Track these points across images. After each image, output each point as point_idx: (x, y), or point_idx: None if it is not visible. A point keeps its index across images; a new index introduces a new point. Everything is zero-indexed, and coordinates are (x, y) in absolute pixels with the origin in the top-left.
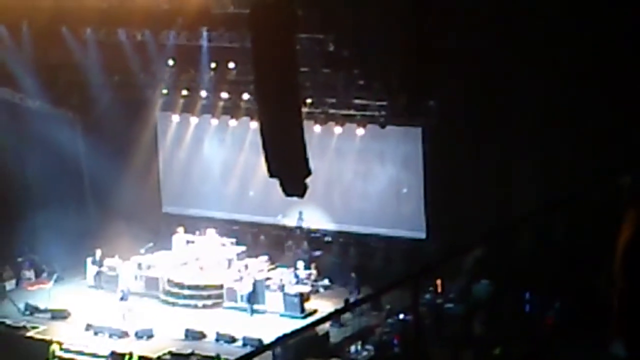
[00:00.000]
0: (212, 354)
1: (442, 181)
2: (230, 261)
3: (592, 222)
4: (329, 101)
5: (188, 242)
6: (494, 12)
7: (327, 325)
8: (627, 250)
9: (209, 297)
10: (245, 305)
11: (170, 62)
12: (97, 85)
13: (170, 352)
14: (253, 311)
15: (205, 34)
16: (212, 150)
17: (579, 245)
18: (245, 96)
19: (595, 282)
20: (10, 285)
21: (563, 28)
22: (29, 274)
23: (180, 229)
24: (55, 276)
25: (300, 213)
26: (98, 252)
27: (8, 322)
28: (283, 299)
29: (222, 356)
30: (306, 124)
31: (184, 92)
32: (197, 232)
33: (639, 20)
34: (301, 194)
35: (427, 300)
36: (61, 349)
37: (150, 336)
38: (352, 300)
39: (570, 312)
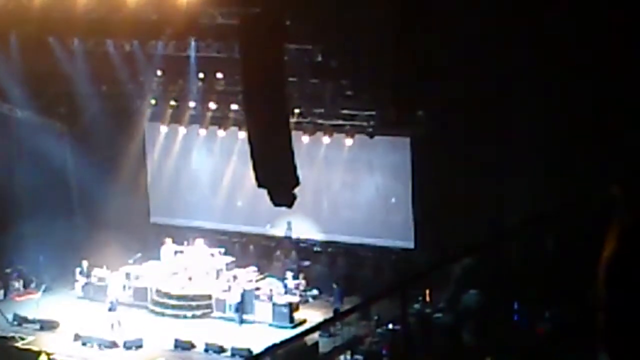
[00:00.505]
0: None
1: (431, 191)
2: (218, 271)
3: (582, 232)
4: (317, 111)
5: (176, 252)
6: (483, 24)
7: (316, 335)
8: (609, 266)
9: (197, 307)
10: (234, 315)
11: (159, 73)
12: (85, 96)
13: None
14: (242, 321)
15: (193, 44)
16: (201, 160)
17: (570, 254)
18: (234, 106)
19: (586, 292)
20: None
21: (552, 41)
22: (17, 284)
23: (168, 240)
24: (43, 287)
25: (289, 223)
26: (84, 263)
27: None
28: (272, 309)
29: None
30: (294, 134)
31: (172, 103)
32: (186, 243)
33: (630, 38)
34: (289, 204)
35: (416, 310)
36: (50, 359)
37: (139, 346)
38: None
39: (561, 322)
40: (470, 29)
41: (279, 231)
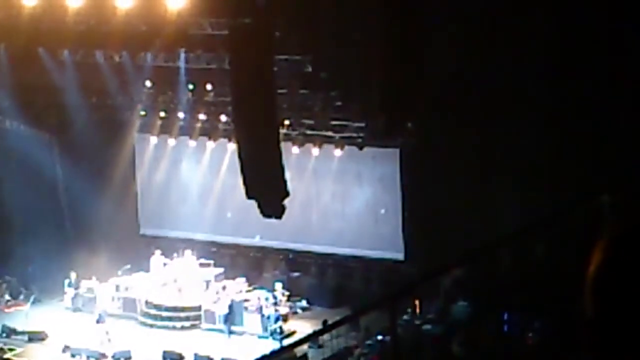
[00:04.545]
0: None
1: (420, 202)
2: (208, 283)
3: (572, 241)
4: (306, 122)
5: (165, 264)
6: (474, 33)
7: (305, 346)
8: (596, 277)
9: (187, 318)
10: (223, 326)
11: (148, 84)
12: (75, 107)
13: None
14: (230, 332)
15: (183, 55)
16: (190, 171)
17: (560, 264)
18: (223, 118)
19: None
20: None
21: (544, 49)
22: (6, 295)
23: (157, 252)
24: (32, 298)
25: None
26: (73, 275)
27: None
28: (261, 321)
29: None
30: (284, 145)
31: (162, 114)
32: (175, 254)
33: (620, 47)
34: (279, 215)
35: (405, 321)
36: None
37: (128, 358)
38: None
39: (550, 332)
40: (459, 40)
41: (268, 242)
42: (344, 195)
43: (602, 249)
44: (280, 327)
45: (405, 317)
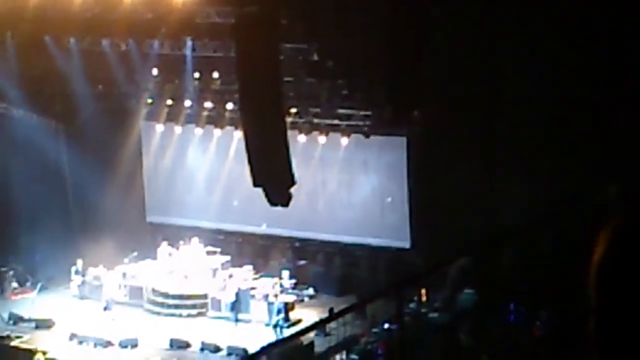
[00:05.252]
0: None
1: (427, 191)
2: (214, 271)
3: (579, 232)
4: (313, 111)
5: (171, 254)
6: (479, 24)
7: (312, 334)
8: (599, 269)
9: (193, 306)
10: (229, 314)
11: (155, 72)
12: (81, 95)
13: None
14: (237, 320)
15: (189, 43)
16: (197, 159)
17: (567, 255)
18: (230, 106)
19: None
20: None
21: (548, 42)
22: (13, 283)
23: (164, 243)
24: (39, 285)
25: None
26: (80, 262)
27: None
28: (267, 308)
29: None
30: (290, 133)
31: (168, 102)
32: (182, 242)
33: (620, 45)
34: (286, 203)
35: (411, 309)
36: (46, 358)
37: (134, 346)
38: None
39: (557, 323)
40: (466, 29)
41: (274, 230)
42: (350, 184)
43: (605, 239)
44: (287, 315)
45: (411, 305)
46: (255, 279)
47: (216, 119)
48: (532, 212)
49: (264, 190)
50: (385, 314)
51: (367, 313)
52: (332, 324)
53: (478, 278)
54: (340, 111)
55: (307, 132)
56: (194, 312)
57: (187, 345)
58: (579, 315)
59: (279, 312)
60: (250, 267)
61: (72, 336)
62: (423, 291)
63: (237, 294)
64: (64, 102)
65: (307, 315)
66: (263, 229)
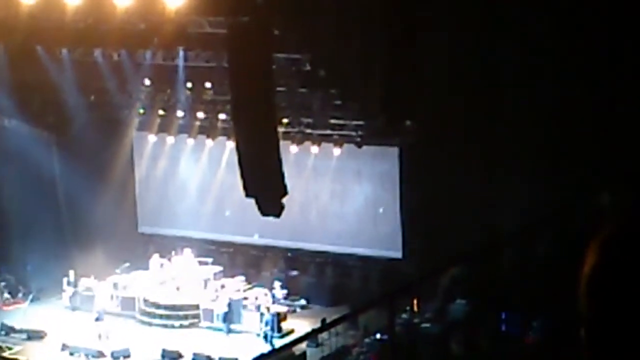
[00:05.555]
0: None
1: (419, 201)
2: (206, 281)
3: (572, 240)
4: (305, 121)
5: (162, 265)
6: (471, 33)
7: (304, 345)
8: (590, 278)
9: (185, 317)
10: (221, 325)
11: (147, 82)
12: (73, 105)
13: None
14: (229, 331)
15: (181, 53)
16: (189, 170)
17: (560, 262)
18: (222, 116)
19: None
20: None
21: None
22: (5, 294)
23: (156, 255)
24: (31, 296)
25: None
26: (72, 273)
27: None
28: (260, 319)
29: None
30: (283, 143)
31: (160, 112)
32: (174, 252)
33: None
34: (278, 214)
35: (403, 319)
36: None
37: (126, 356)
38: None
39: (550, 331)
40: (458, 38)
41: (266, 241)
42: (342, 194)
43: (595, 249)
44: (279, 326)
45: (403, 315)
46: (248, 289)
47: (208, 129)
48: (529, 219)
49: (256, 200)
50: (377, 324)
51: (360, 323)
52: (324, 335)
53: (470, 288)
54: (333, 121)
55: (300, 142)
56: (186, 322)
57: (179, 356)
58: (572, 325)
59: (267, 323)
60: (242, 277)
61: (64, 347)
62: (415, 301)
63: (229, 305)
64: (56, 112)
65: (299, 325)
66: (255, 240)
